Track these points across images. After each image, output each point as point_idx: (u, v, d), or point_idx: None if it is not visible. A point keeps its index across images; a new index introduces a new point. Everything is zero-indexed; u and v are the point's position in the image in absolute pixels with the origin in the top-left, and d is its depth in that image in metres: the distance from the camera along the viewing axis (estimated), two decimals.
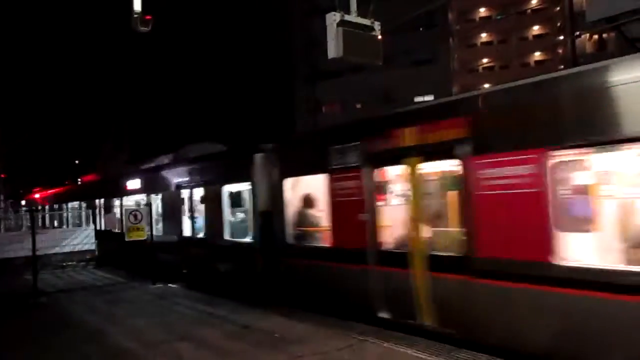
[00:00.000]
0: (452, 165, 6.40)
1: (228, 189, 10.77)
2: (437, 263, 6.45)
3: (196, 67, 46.23)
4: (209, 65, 47.20)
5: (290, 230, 9.21)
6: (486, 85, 33.26)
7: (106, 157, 43.37)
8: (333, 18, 7.40)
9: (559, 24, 47.71)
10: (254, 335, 7.36)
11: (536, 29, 53.22)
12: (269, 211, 9.56)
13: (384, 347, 6.33)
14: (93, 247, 15.40)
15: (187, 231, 12.40)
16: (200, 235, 11.84)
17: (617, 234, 5.16)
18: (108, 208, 18.37)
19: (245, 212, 10.70)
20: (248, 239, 10.21)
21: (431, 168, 6.91)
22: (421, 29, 40.30)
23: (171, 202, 13.09)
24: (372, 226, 7.39)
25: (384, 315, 7.22)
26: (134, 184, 15.92)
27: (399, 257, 6.92)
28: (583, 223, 5.46)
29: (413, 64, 39.04)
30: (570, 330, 5.05)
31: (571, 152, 5.22)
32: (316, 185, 8.58)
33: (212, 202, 11.06)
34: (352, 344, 6.57)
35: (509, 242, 5.63)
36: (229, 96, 45.92)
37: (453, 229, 6.47)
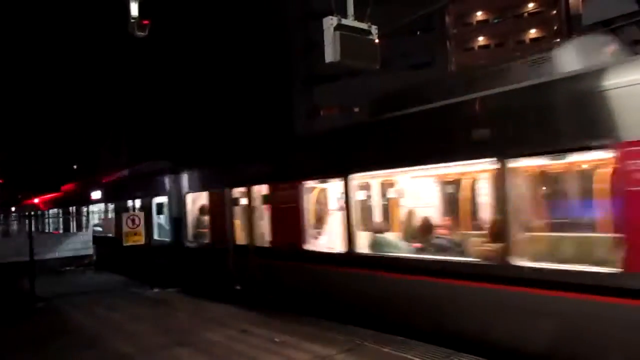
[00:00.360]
0: (266, 188, 9.79)
1: (156, 200, 13.87)
2: (260, 252, 9.87)
3: (194, 72, 46.25)
4: (207, 69, 47.24)
5: (190, 232, 12.50)
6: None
7: (104, 162, 43.35)
8: (330, 22, 7.40)
9: (555, 28, 47.90)
10: (253, 340, 7.34)
11: (533, 33, 53.42)
12: (179, 218, 12.72)
13: (384, 352, 6.32)
14: (91, 251, 15.36)
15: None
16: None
17: (332, 233, 8.65)
18: (79, 214, 21.35)
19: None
20: (167, 239, 13.28)
21: (258, 189, 10.10)
22: (418, 32, 40.41)
23: (120, 210, 15.81)
24: (230, 228, 10.74)
25: (238, 287, 10.47)
26: (96, 194, 19.05)
27: (243, 249, 10.33)
28: (317, 227, 9.09)
29: (411, 68, 39.10)
30: (312, 285, 8.47)
31: (311, 182, 8.81)
32: (204, 199, 11.97)
33: (147, 210, 13.90)
34: (351, 348, 6.56)
35: (285, 236, 9.16)
36: (228, 99, 45.94)
37: (266, 230, 9.84)
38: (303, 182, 8.72)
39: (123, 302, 11.18)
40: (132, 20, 8.73)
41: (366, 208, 8.51)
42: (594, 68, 5.24)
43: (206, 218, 11.96)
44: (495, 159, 5.71)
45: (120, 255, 14.73)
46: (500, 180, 5.72)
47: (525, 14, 51.74)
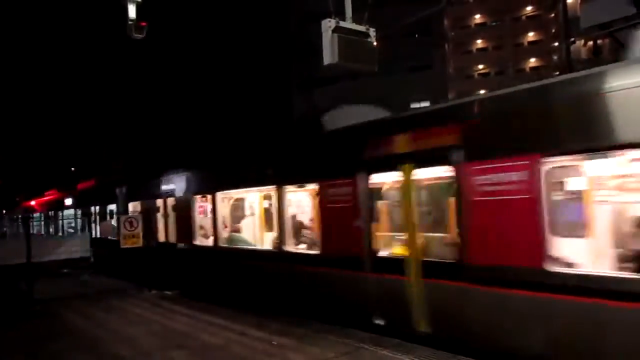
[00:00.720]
0: (173, 200, 13.11)
1: (109, 207, 17.70)
2: (171, 248, 12.95)
3: (193, 75, 46.26)
4: (207, 73, 47.24)
5: None
6: (482, 92, 33.32)
7: (103, 166, 43.31)
8: (328, 25, 7.42)
9: (553, 30, 48.04)
10: (252, 343, 7.32)
11: (531, 35, 53.56)
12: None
13: (381, 355, 6.32)
14: (88, 254, 15.32)
15: (93, 234, 18.28)
16: (99, 235, 18.00)
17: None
18: (55, 218, 24.98)
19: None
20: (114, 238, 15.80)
21: (169, 201, 13.28)
22: (417, 35, 40.51)
23: (86, 216, 20.08)
24: (155, 230, 13.87)
25: (161, 274, 13.24)
26: (68, 201, 23.06)
27: (163, 245, 13.43)
28: (203, 231, 11.93)
29: (410, 70, 39.20)
30: (199, 269, 11.87)
31: (198, 197, 12.04)
32: (139, 207, 15.21)
33: (103, 215, 18.26)
34: (349, 351, 6.55)
35: (183, 235, 12.38)
36: (228, 102, 45.94)
37: (174, 231, 13.06)
38: (194, 197, 12.06)
39: (121, 304, 11.17)
40: (130, 23, 8.75)
41: (230, 215, 11.60)
42: (310, 136, 9.36)
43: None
44: (275, 186, 9.38)
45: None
46: (279, 198, 9.30)
47: (523, 17, 51.89)
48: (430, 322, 6.38)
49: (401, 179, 6.90)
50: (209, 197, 11.31)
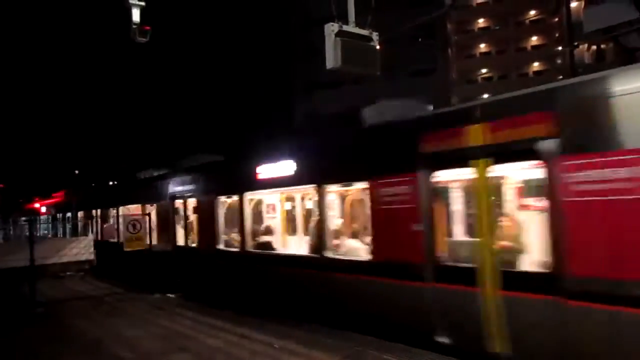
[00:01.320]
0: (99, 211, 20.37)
1: (67, 214, 23.41)
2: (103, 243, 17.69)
3: (196, 78, 46.37)
4: (209, 77, 47.33)
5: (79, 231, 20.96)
6: (485, 96, 33.25)
7: (105, 168, 43.44)
8: (331, 28, 7.43)
9: (557, 35, 47.98)
10: (253, 346, 7.31)
11: (534, 40, 53.49)
12: (75, 224, 21.87)
13: (384, 359, 6.29)
14: (92, 256, 15.33)
15: (60, 234, 23.95)
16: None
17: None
18: (37, 222, 29.09)
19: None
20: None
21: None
22: (420, 39, 40.50)
23: (55, 219, 26.06)
24: (99, 230, 19.21)
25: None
26: (44, 209, 28.91)
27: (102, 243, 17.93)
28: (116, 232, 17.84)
29: (413, 74, 39.15)
30: (112, 258, 16.85)
31: (111, 209, 18.74)
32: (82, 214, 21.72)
33: (64, 220, 24.25)
34: (351, 354, 6.53)
35: (106, 235, 18.49)
36: (229, 104, 46.00)
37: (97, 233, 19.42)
38: (110, 209, 18.04)
39: (123, 307, 11.17)
40: (134, 26, 8.79)
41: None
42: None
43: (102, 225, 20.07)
44: (145, 204, 14.97)
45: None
46: (157, 211, 14.23)
47: (527, 21, 51.83)
48: (230, 287, 10.82)
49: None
50: (116, 209, 17.04)
